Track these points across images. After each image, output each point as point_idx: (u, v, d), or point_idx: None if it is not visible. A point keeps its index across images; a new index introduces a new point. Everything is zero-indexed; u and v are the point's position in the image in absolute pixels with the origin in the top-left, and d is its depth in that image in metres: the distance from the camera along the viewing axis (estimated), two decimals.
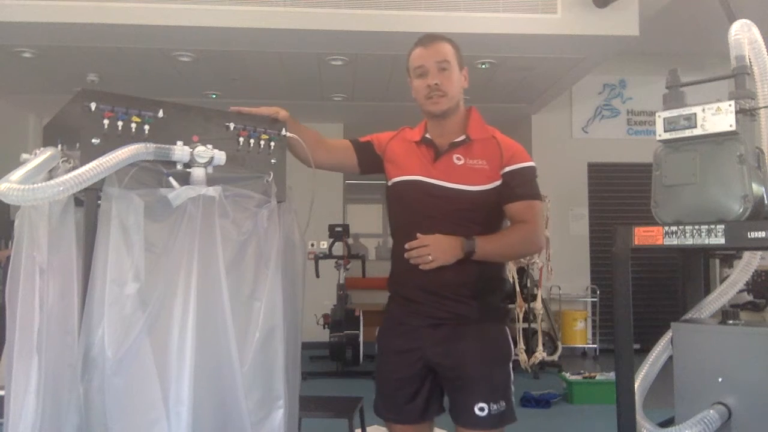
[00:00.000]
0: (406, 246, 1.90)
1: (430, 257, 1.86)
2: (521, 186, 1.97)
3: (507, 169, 1.97)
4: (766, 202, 1.63)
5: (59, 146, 1.66)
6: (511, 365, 2.03)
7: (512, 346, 2.04)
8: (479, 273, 1.95)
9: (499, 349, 1.99)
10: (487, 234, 1.95)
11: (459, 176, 1.95)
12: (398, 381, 1.99)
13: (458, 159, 1.98)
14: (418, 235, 1.90)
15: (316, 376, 5.94)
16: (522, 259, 6.43)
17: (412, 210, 2.01)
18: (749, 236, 1.49)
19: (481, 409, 1.90)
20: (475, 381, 1.92)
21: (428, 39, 2.03)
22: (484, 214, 1.97)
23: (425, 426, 2.03)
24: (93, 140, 1.55)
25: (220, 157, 1.69)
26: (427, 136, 2.04)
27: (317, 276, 6.40)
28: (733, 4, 2.28)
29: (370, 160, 2.12)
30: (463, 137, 1.99)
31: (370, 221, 11.74)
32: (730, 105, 1.57)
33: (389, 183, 2.09)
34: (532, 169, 2.01)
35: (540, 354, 6.20)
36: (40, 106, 7.51)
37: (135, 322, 1.51)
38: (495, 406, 1.91)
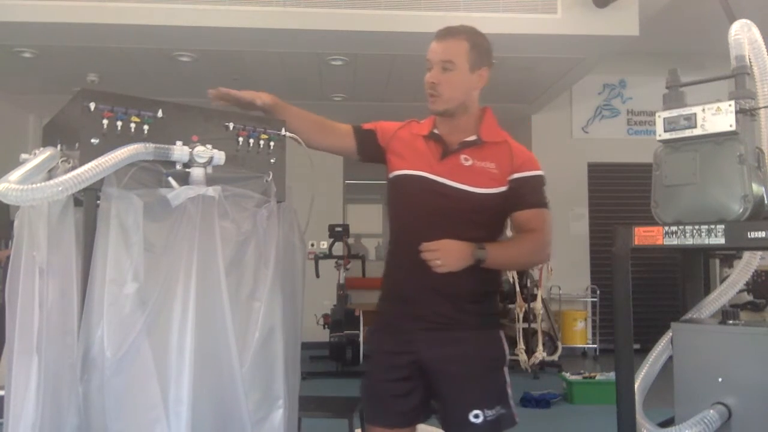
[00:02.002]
0: (421, 247, 1.84)
1: (438, 262, 1.80)
2: (531, 194, 1.94)
3: (516, 175, 1.93)
4: (766, 202, 1.63)
5: (59, 146, 1.66)
6: (506, 369, 1.99)
7: (506, 349, 2.00)
8: (481, 279, 1.91)
9: (494, 355, 1.95)
10: (488, 237, 1.91)
11: (465, 177, 1.91)
12: (388, 383, 1.95)
13: (466, 159, 1.93)
14: (425, 245, 1.83)
15: (316, 376, 5.94)
16: None
17: (414, 206, 1.96)
18: (749, 236, 1.49)
19: (476, 416, 1.86)
20: (470, 388, 1.88)
21: (443, 33, 1.95)
22: (487, 217, 1.93)
23: (410, 431, 1.99)
24: (92, 140, 1.55)
25: (220, 156, 1.69)
26: (436, 131, 1.99)
27: (317, 276, 6.40)
28: (733, 4, 2.28)
29: (371, 149, 2.05)
30: (474, 137, 1.95)
31: (370, 221, 11.73)
32: (730, 105, 1.57)
33: (391, 175, 2.02)
34: (541, 178, 1.98)
35: (540, 354, 6.20)
36: (40, 106, 7.51)
37: (134, 322, 1.51)
38: (490, 412, 1.87)
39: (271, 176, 1.82)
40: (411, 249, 1.86)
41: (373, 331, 2.05)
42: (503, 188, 1.93)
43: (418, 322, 1.92)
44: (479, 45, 1.95)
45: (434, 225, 1.89)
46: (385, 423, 1.96)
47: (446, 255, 1.81)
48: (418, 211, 1.94)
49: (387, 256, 2.07)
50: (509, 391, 1.96)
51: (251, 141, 1.80)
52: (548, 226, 1.99)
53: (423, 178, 1.94)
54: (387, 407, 1.95)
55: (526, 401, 5.04)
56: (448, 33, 1.95)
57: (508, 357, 2.01)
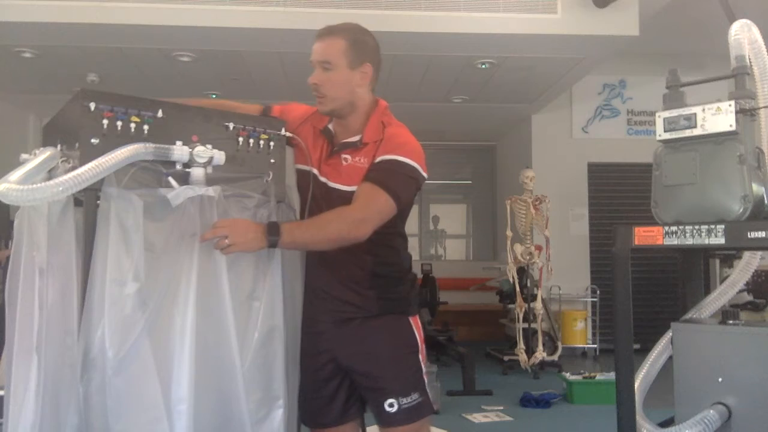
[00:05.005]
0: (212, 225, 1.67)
1: (227, 241, 1.63)
2: (375, 171, 1.85)
3: (377, 158, 1.87)
4: (766, 202, 1.63)
5: (59, 146, 1.66)
6: (420, 356, 1.94)
7: (418, 335, 1.96)
8: (373, 263, 1.88)
9: (402, 341, 1.93)
10: (375, 235, 1.83)
11: (341, 175, 1.90)
12: (314, 384, 1.94)
13: (345, 159, 1.91)
14: (215, 222, 1.68)
15: None
16: (521, 259, 6.43)
17: (304, 198, 1.96)
18: (749, 236, 1.49)
19: (391, 405, 1.85)
20: (382, 377, 1.88)
21: (322, 33, 1.94)
22: None
23: (349, 427, 1.98)
24: (92, 140, 1.55)
25: (220, 156, 1.69)
26: (329, 127, 1.97)
27: None
28: (733, 4, 2.28)
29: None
30: (356, 138, 1.92)
31: None
32: (730, 105, 1.57)
33: (295, 167, 2.01)
34: (400, 162, 1.85)
35: (540, 354, 6.19)
36: (40, 106, 7.50)
37: (135, 322, 1.51)
38: (405, 400, 1.86)
39: (271, 176, 1.82)
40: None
41: (302, 332, 1.98)
42: None
43: (326, 315, 1.91)
44: (358, 41, 1.94)
45: None
46: (319, 424, 1.97)
47: (234, 233, 1.64)
48: (312, 206, 1.93)
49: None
50: (425, 378, 1.93)
51: (251, 141, 1.80)
52: (371, 202, 1.82)
53: (312, 176, 1.94)
54: (318, 408, 1.95)
55: (526, 401, 5.03)
56: (326, 32, 1.95)
57: (421, 343, 1.96)
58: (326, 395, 1.94)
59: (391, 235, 1.94)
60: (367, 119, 1.95)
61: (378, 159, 1.86)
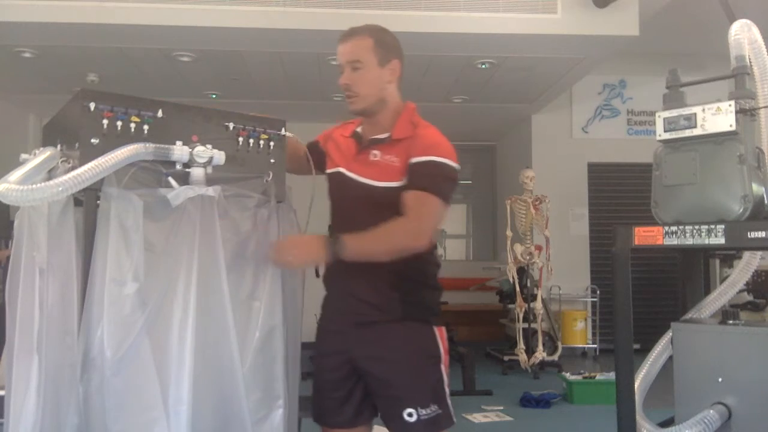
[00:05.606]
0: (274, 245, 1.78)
1: (289, 258, 1.75)
2: (417, 177, 1.84)
3: (413, 160, 1.86)
4: (766, 202, 1.63)
5: (59, 146, 1.66)
6: (442, 366, 1.92)
7: (441, 345, 1.94)
8: (398, 263, 1.85)
9: (424, 350, 1.90)
10: None
11: (371, 171, 1.91)
12: (329, 383, 1.93)
13: (375, 155, 1.92)
14: (276, 242, 1.79)
15: None
16: (521, 259, 6.43)
17: (336, 202, 2.01)
18: (749, 236, 1.50)
19: (410, 415, 1.81)
20: (402, 386, 1.85)
21: (345, 35, 1.97)
22: (393, 210, 1.85)
23: (360, 430, 1.96)
24: (92, 140, 1.55)
25: (220, 156, 1.69)
26: (358, 130, 2.02)
27: (317, 276, 6.38)
28: (733, 4, 2.28)
29: (319, 160, 2.07)
30: (385, 135, 1.94)
31: None
32: (730, 105, 1.57)
33: (326, 174, 2.07)
34: (442, 165, 1.86)
35: (540, 354, 6.20)
36: (40, 106, 7.50)
37: (134, 322, 1.51)
38: (425, 411, 1.82)
39: (271, 176, 1.82)
40: None
41: (317, 332, 2.01)
42: (405, 181, 1.88)
43: (347, 315, 1.90)
44: (383, 40, 1.96)
45: (349, 219, 1.91)
46: (330, 423, 1.96)
47: (294, 250, 1.75)
48: (338, 205, 2.00)
49: None
50: (446, 389, 1.90)
51: (251, 141, 1.80)
52: (424, 210, 1.83)
53: (340, 174, 1.98)
54: (331, 408, 1.94)
55: (526, 401, 5.03)
56: (350, 33, 1.97)
57: (444, 355, 1.93)
58: (339, 396, 1.92)
59: None
60: (395, 117, 1.97)
61: (414, 161, 1.86)
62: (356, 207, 1.92)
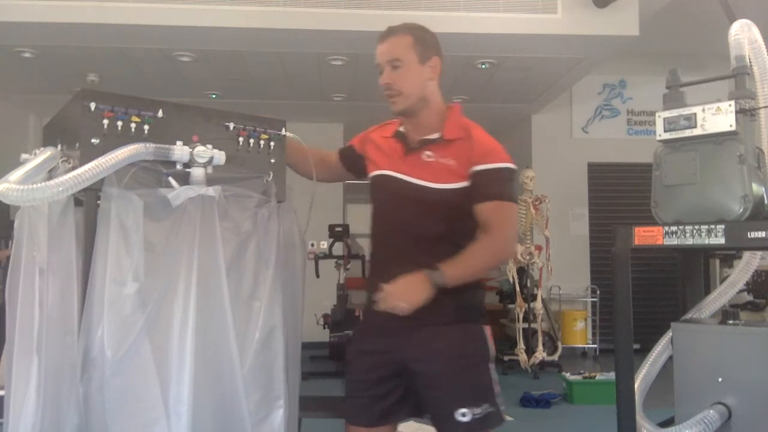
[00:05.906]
0: (375, 298, 1.79)
1: (403, 305, 1.74)
2: (487, 186, 1.86)
3: (476, 168, 1.87)
4: (766, 202, 1.63)
5: (59, 146, 1.66)
6: (491, 365, 1.93)
7: (491, 345, 1.94)
8: None
9: (474, 351, 1.90)
10: (451, 232, 1.87)
11: (425, 173, 1.89)
12: (361, 383, 1.93)
13: (428, 156, 1.91)
14: (378, 295, 1.78)
15: (316, 376, 5.94)
16: (521, 259, 6.44)
17: (382, 205, 1.98)
18: (749, 236, 1.49)
19: (463, 415, 1.81)
20: (455, 386, 1.84)
21: (384, 34, 1.96)
22: (448, 212, 1.88)
23: (385, 430, 1.95)
24: (93, 140, 1.55)
25: (220, 157, 1.69)
26: (401, 130, 1.99)
27: (317, 276, 6.39)
28: (733, 4, 2.28)
29: (356, 163, 2.08)
30: (436, 135, 1.93)
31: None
32: (730, 105, 1.57)
33: (369, 179, 2.05)
34: (505, 170, 1.90)
35: (540, 354, 6.20)
36: (40, 106, 7.50)
37: (134, 322, 1.51)
38: (478, 410, 1.83)
39: (271, 176, 1.83)
40: (383, 245, 1.94)
41: (357, 331, 2.02)
42: (464, 183, 1.88)
43: (397, 320, 1.86)
44: (422, 37, 1.96)
45: (399, 221, 1.91)
46: (364, 423, 1.95)
47: (403, 296, 1.75)
48: (386, 208, 1.97)
49: (369, 256, 2.06)
50: (496, 389, 1.91)
51: (251, 141, 1.80)
52: (505, 220, 1.88)
53: (388, 177, 1.95)
54: (366, 407, 1.93)
55: (526, 401, 5.03)
56: (389, 33, 1.97)
57: (493, 354, 1.94)
58: (372, 395, 1.91)
59: (466, 235, 1.91)
60: (440, 116, 1.96)
61: (478, 169, 1.86)
62: (405, 209, 1.90)
